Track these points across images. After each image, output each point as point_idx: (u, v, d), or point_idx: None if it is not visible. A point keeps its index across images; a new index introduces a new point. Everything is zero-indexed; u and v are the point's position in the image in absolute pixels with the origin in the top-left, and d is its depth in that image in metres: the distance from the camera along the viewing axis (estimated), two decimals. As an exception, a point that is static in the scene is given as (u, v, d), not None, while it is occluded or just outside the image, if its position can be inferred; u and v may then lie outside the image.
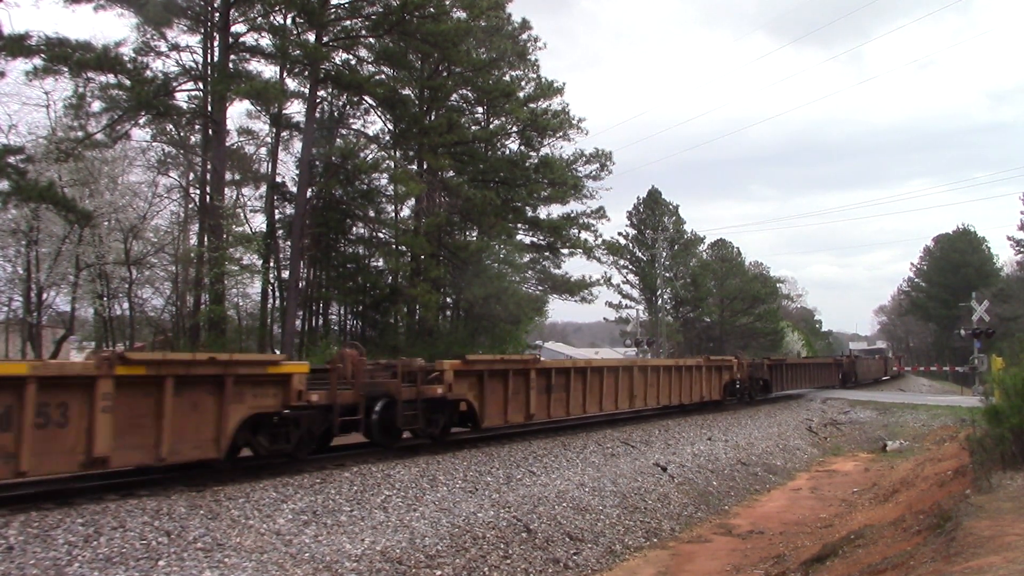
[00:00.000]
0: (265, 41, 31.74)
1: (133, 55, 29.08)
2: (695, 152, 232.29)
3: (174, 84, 30.45)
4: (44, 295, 26.49)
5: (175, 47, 30.91)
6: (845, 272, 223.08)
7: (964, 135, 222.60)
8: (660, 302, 63.36)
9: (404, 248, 34.30)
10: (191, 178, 32.40)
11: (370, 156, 34.23)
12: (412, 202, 35.99)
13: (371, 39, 32.91)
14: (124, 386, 9.29)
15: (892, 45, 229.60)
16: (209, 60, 31.37)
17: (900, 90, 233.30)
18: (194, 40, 31.56)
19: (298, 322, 33.33)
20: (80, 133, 26.91)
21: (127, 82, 27.57)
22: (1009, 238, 77.07)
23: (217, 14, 30.51)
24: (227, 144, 31.68)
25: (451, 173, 36.16)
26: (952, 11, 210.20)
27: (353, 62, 33.60)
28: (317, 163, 32.30)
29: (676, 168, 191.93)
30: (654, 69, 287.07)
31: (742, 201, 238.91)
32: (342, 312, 38.43)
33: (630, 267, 65.73)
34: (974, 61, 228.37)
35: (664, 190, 67.75)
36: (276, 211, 34.33)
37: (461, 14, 32.27)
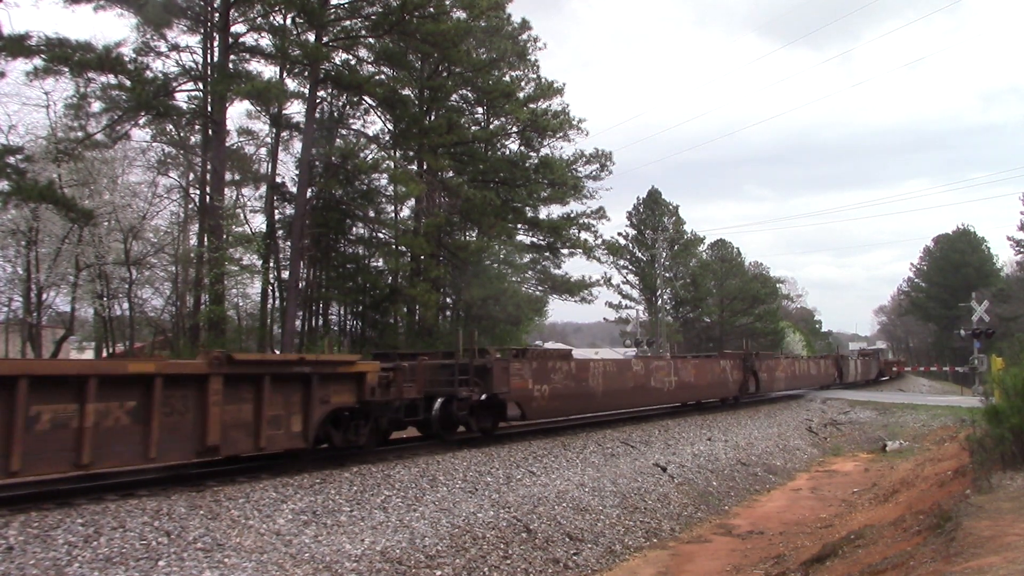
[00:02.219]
0: (265, 41, 31.72)
1: (133, 55, 29.04)
2: (691, 153, 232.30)
3: (174, 84, 30.42)
4: (44, 295, 26.47)
5: (175, 47, 30.88)
6: (843, 272, 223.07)
7: (958, 136, 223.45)
8: (660, 302, 63.35)
9: (404, 248, 34.29)
10: (191, 178, 32.36)
11: (370, 156, 34.21)
12: (412, 202, 35.97)
13: (371, 39, 32.89)
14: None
15: (883, 47, 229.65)
16: (209, 60, 31.35)
17: (893, 92, 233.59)
18: (194, 40, 31.54)
19: (298, 322, 33.32)
20: (80, 133, 26.88)
21: (127, 82, 27.54)
22: (1009, 238, 77.09)
23: (217, 14, 30.48)
24: (227, 144, 31.63)
25: (451, 173, 36.14)
26: (942, 14, 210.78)
27: (353, 62, 33.57)
28: (317, 163, 32.27)
29: (672, 169, 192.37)
30: (647, 71, 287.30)
31: (738, 202, 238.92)
32: (342, 312, 38.42)
33: (630, 267, 65.74)
34: (965, 63, 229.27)
35: (660, 191, 67.64)
36: (276, 211, 34.32)
37: (461, 14, 32.26)
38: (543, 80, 39.53)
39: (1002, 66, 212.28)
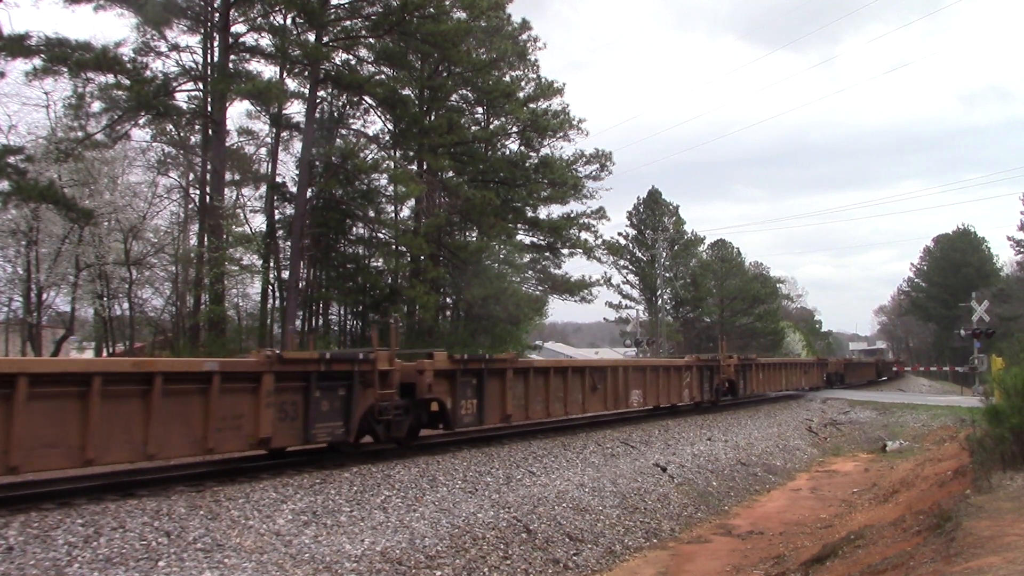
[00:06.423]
0: (265, 41, 31.73)
1: (133, 55, 29.06)
2: (686, 155, 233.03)
3: (174, 84, 30.43)
4: (44, 295, 26.49)
5: (175, 47, 30.89)
6: (840, 272, 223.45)
7: (946, 138, 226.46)
8: (660, 302, 63.37)
9: (404, 248, 34.29)
10: (191, 178, 32.36)
11: (370, 156, 34.20)
12: (412, 202, 35.97)
13: (371, 39, 32.88)
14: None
15: (865, 52, 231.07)
16: (209, 60, 31.36)
17: (877, 96, 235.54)
18: (194, 40, 31.54)
19: (298, 322, 33.30)
20: (80, 133, 26.90)
21: (127, 82, 27.56)
22: (1009, 238, 77.12)
23: (217, 14, 30.48)
24: (227, 144, 31.64)
25: (451, 173, 36.14)
26: (920, 17, 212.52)
27: (353, 62, 33.58)
28: (317, 163, 32.27)
29: (669, 170, 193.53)
30: (636, 73, 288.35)
31: (733, 202, 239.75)
32: (342, 312, 38.42)
33: (630, 267, 65.79)
34: (944, 65, 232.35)
35: (660, 191, 67.64)
36: (276, 211, 34.30)
37: (461, 14, 32.25)
38: (543, 80, 39.57)
39: (979, 67, 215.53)
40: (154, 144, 31.28)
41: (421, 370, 13.92)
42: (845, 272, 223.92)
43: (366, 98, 34.36)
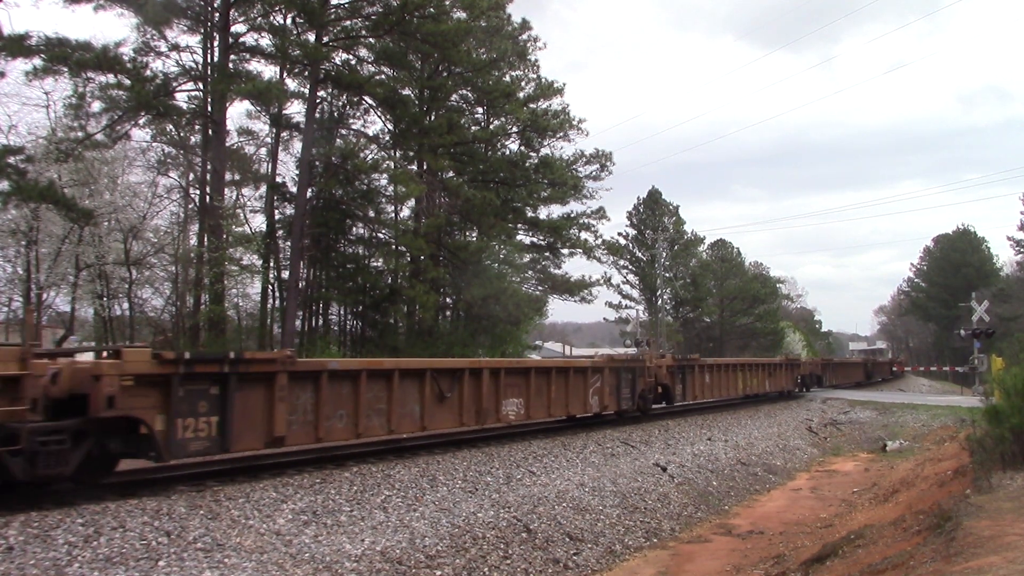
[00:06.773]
0: (265, 41, 31.74)
1: (133, 55, 29.07)
2: (685, 155, 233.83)
3: (174, 84, 30.43)
4: (44, 295, 26.49)
5: (175, 47, 30.90)
6: (840, 272, 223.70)
7: (944, 138, 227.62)
8: (660, 302, 63.41)
9: (404, 248, 34.29)
10: (191, 178, 32.38)
11: (370, 156, 34.22)
12: (412, 202, 35.97)
13: (371, 39, 32.91)
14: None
15: (864, 52, 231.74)
16: (209, 60, 31.37)
17: (876, 96, 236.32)
18: (194, 40, 31.56)
19: (298, 322, 33.31)
20: (80, 133, 26.91)
21: (127, 82, 27.57)
22: (1009, 238, 77.19)
23: (217, 14, 30.50)
24: (227, 144, 31.64)
25: (451, 174, 36.14)
26: (918, 17, 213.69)
27: (353, 62, 33.60)
28: (317, 163, 32.27)
29: (668, 171, 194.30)
30: (635, 74, 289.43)
31: (732, 203, 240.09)
32: (342, 312, 38.44)
33: (630, 267, 65.84)
34: (942, 65, 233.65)
35: (660, 191, 67.64)
36: (276, 211, 34.32)
37: (461, 14, 32.27)
38: (543, 80, 39.59)
39: (977, 67, 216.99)
40: (154, 144, 31.33)
41: (98, 375, 9.24)
42: (845, 272, 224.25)
43: (366, 98, 34.36)
